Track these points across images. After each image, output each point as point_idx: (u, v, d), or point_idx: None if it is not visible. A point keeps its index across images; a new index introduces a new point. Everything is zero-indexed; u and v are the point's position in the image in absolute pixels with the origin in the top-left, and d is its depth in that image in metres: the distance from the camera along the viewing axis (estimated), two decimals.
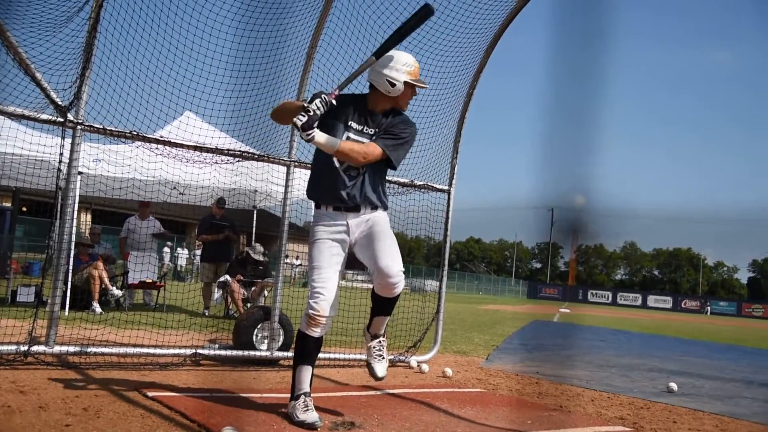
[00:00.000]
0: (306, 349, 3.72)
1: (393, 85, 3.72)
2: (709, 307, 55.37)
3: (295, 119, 3.45)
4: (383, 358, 4.01)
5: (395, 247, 3.79)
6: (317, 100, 3.47)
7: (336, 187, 3.77)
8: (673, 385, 5.95)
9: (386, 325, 4.04)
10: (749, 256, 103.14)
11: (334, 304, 3.71)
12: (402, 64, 3.73)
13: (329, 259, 3.75)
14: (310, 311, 3.66)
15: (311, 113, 3.44)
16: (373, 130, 3.80)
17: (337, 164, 3.75)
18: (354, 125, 3.78)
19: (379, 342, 4.02)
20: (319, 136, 3.51)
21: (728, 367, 9.11)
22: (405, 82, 3.73)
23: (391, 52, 3.74)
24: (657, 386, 6.22)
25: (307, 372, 3.70)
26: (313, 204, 3.96)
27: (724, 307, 57.26)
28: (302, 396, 3.61)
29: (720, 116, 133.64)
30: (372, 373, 3.99)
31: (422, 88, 3.88)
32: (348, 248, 3.83)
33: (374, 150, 3.69)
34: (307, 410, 3.55)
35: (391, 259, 3.70)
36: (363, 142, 3.73)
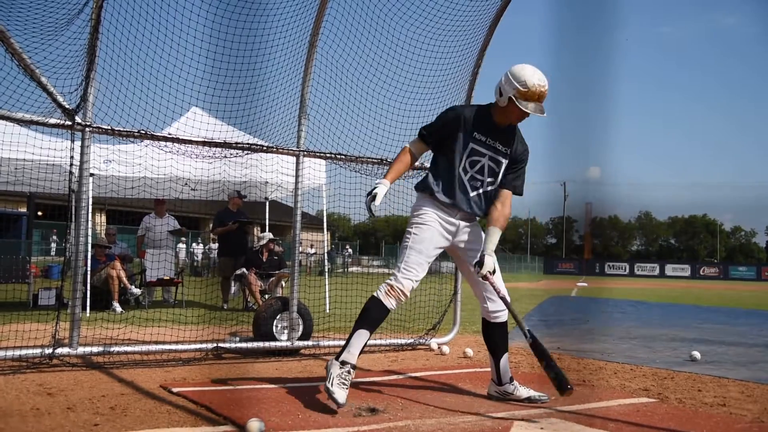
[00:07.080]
0: (374, 316, 3.73)
1: (500, 95, 3.69)
2: None
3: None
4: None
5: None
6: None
7: (466, 194, 3.84)
8: (696, 354, 5.91)
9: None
10: (766, 220, 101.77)
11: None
12: (518, 81, 3.60)
13: (431, 249, 3.82)
14: (397, 284, 3.70)
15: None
16: (500, 146, 3.82)
17: (462, 175, 3.82)
18: (478, 136, 3.79)
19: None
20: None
21: (750, 332, 9.05)
22: (509, 98, 3.64)
23: (524, 65, 3.66)
24: (680, 355, 6.19)
25: (363, 340, 3.69)
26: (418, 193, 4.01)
27: (743, 273, 56.81)
28: (349, 366, 3.61)
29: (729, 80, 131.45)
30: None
31: (527, 114, 3.71)
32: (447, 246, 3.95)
33: (510, 202, 3.90)
34: (343, 386, 3.55)
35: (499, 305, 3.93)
36: (486, 156, 3.81)
